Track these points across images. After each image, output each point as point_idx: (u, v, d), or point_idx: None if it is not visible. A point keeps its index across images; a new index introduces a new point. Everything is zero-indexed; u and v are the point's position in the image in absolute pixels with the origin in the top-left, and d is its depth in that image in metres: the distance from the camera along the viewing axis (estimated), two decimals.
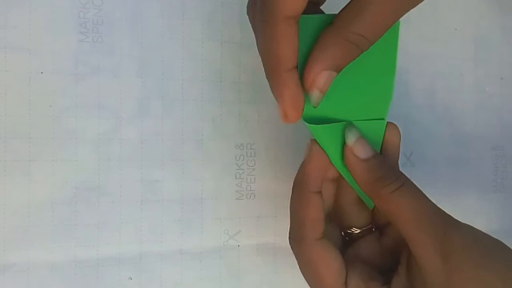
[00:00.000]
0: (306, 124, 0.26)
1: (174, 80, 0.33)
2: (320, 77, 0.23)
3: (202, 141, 0.33)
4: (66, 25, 0.31)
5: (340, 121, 0.26)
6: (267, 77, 0.24)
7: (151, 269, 0.32)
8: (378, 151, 0.27)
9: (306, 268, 0.27)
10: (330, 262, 0.26)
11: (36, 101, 0.30)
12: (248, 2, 0.25)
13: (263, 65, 0.24)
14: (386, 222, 0.29)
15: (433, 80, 0.39)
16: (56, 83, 0.30)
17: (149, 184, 0.32)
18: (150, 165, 0.32)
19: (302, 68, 0.24)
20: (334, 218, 0.29)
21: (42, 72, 0.30)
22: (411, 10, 0.24)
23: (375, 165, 0.26)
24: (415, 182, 0.26)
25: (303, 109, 0.24)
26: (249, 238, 0.34)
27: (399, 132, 0.28)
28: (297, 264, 0.28)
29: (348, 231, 0.29)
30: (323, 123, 0.26)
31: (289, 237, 0.27)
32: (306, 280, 0.28)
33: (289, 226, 0.27)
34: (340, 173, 0.27)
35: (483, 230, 0.25)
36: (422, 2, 0.24)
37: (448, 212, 0.25)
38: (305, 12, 0.23)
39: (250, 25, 0.26)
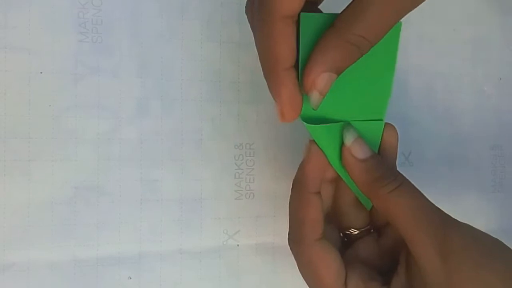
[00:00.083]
0: (305, 124, 0.26)
1: (173, 80, 0.33)
2: (320, 79, 0.23)
3: (201, 141, 0.33)
4: (65, 25, 0.31)
5: (338, 121, 0.26)
6: (264, 76, 0.24)
7: (150, 269, 0.32)
8: (376, 152, 0.27)
9: (306, 268, 0.27)
10: (329, 263, 0.26)
11: (36, 101, 0.30)
12: (247, 2, 0.25)
13: (261, 64, 0.24)
14: (385, 222, 0.29)
15: (432, 80, 0.39)
16: (55, 83, 0.30)
17: (149, 184, 0.32)
18: (149, 165, 0.32)
19: (302, 68, 0.24)
20: (333, 219, 0.29)
21: (41, 72, 0.30)
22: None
23: (373, 166, 0.25)
24: (413, 182, 0.26)
25: (301, 108, 0.24)
26: (248, 237, 0.34)
27: (397, 133, 0.28)
28: (296, 264, 0.28)
29: (347, 232, 0.29)
30: (321, 123, 0.26)
31: (288, 238, 0.27)
32: (306, 281, 0.27)
33: (288, 226, 0.27)
34: (338, 174, 0.27)
35: (482, 230, 0.25)
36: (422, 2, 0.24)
37: (447, 212, 0.25)
38: (304, 11, 0.23)
39: (249, 25, 0.26)
